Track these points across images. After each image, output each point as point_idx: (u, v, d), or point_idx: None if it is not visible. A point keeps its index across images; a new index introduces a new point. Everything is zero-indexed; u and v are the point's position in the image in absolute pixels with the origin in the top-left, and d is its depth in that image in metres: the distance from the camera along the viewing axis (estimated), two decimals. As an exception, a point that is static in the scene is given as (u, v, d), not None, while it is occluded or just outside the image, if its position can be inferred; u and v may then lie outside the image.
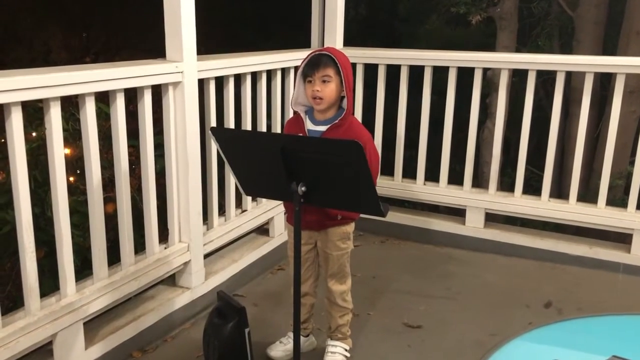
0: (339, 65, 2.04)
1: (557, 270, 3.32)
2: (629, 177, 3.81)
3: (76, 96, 2.13)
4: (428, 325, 2.72)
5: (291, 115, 3.39)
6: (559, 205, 3.44)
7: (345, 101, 2.12)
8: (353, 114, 3.67)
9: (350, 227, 2.26)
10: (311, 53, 2.09)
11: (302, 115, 2.16)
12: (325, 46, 2.08)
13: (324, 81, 2.05)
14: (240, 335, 2.15)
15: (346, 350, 2.39)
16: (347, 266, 2.31)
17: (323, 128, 2.12)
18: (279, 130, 3.31)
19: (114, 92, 2.26)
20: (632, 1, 5.36)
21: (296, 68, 3.38)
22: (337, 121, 2.11)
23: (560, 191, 5.19)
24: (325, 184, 1.82)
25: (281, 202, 2.92)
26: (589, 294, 3.05)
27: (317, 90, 2.05)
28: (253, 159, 1.93)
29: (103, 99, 2.46)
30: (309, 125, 2.15)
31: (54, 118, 2.03)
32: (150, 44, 2.69)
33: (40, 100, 2.00)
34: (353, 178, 1.75)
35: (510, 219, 3.82)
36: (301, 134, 2.15)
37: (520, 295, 3.02)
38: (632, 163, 3.28)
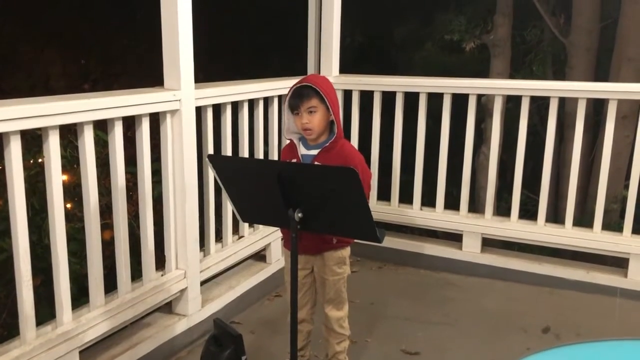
0: (322, 93, 2.07)
1: (555, 295, 3.32)
2: (624, 201, 3.82)
3: (74, 124, 2.16)
4: (426, 352, 2.71)
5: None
6: (555, 230, 3.45)
7: (334, 125, 2.15)
8: (349, 138, 3.69)
9: (346, 252, 2.26)
10: (294, 85, 2.12)
11: (296, 142, 2.19)
12: (312, 74, 2.10)
13: (310, 112, 2.08)
14: (237, 363, 2.14)
15: (344, 377, 2.38)
16: (343, 291, 2.31)
17: (315, 152, 2.15)
18: (276, 157, 3.33)
19: (112, 120, 2.28)
20: (623, 28, 5.45)
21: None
22: (327, 144, 2.14)
23: (556, 215, 5.21)
24: (322, 210, 1.84)
25: (278, 228, 2.92)
26: (587, 318, 3.05)
27: (306, 123, 2.09)
28: (250, 185, 1.95)
29: (101, 126, 2.49)
30: (302, 150, 2.18)
31: (53, 147, 2.05)
32: (148, 71, 2.72)
33: (38, 129, 2.02)
34: (349, 204, 1.77)
35: (507, 244, 3.83)
36: (295, 160, 2.17)
37: (518, 320, 3.01)
38: (627, 187, 3.31)
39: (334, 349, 2.35)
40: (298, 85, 2.10)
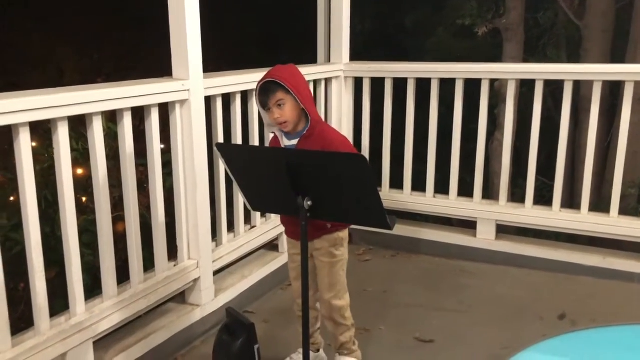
0: (286, 86, 2.03)
1: (571, 282, 3.28)
2: (641, 185, 3.76)
3: (84, 116, 2.16)
4: (440, 340, 2.69)
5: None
6: (571, 215, 3.40)
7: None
8: (359, 127, 3.66)
9: (343, 234, 2.22)
10: (259, 82, 2.08)
11: (278, 134, 2.18)
12: (277, 65, 2.04)
13: (278, 105, 2.05)
14: (249, 352, 2.14)
15: (356, 363, 2.37)
16: (342, 276, 2.26)
17: (295, 142, 2.13)
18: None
19: (121, 111, 2.28)
20: (639, 9, 5.34)
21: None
22: (305, 132, 2.11)
23: (572, 201, 5.15)
24: (331, 197, 1.82)
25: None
26: (603, 305, 3.01)
27: (278, 117, 2.06)
28: (259, 174, 1.94)
29: (113, 118, 2.49)
30: (285, 142, 2.16)
31: (62, 138, 2.05)
32: (161, 64, 2.72)
33: (47, 121, 2.02)
34: (358, 190, 1.75)
35: (522, 230, 3.79)
36: None
37: (533, 307, 2.98)
38: (644, 171, 3.25)
39: (339, 341, 2.33)
40: (262, 81, 2.08)
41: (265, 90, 2.06)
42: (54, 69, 10.35)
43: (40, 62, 10.31)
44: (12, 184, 4.20)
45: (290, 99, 2.06)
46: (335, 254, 2.22)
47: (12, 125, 1.89)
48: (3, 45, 9.58)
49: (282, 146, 2.15)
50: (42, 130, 3.88)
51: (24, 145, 1.93)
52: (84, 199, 4.41)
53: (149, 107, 2.41)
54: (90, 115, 2.15)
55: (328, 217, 1.93)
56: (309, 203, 1.80)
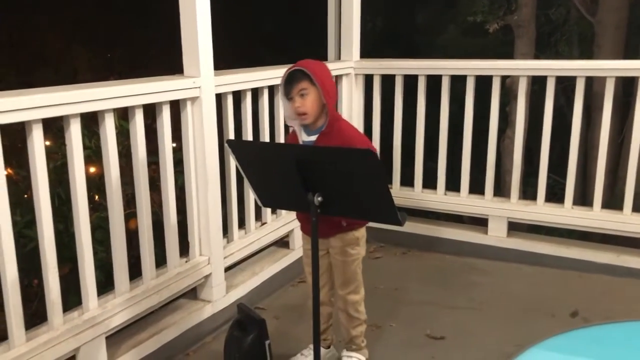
0: (312, 76, 2.05)
1: (584, 279, 3.25)
2: (655, 182, 3.72)
3: (96, 113, 2.18)
4: (451, 337, 2.69)
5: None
6: (583, 212, 3.38)
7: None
8: (369, 124, 3.66)
9: (359, 233, 2.24)
10: (286, 71, 2.11)
11: (297, 129, 2.18)
12: (306, 59, 2.07)
13: (301, 95, 2.07)
14: (260, 348, 2.15)
15: (361, 361, 2.37)
16: (358, 274, 2.28)
17: (314, 137, 2.14)
18: (297, 143, 3.32)
19: (133, 108, 2.29)
20: (653, 4, 5.29)
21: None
22: (324, 128, 2.12)
23: (584, 199, 5.11)
24: (342, 193, 1.82)
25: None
26: (616, 302, 2.98)
27: (298, 107, 2.07)
28: (269, 170, 1.94)
29: (125, 117, 2.51)
30: (304, 137, 2.17)
31: (74, 135, 2.07)
32: (173, 62, 2.74)
33: (60, 118, 2.04)
34: (368, 187, 1.75)
35: (534, 228, 3.76)
36: None
37: (545, 305, 2.97)
38: (658, 168, 3.21)
39: (350, 333, 2.35)
40: (289, 69, 2.10)
41: (291, 78, 2.08)
42: (67, 68, 10.43)
43: (54, 61, 10.41)
44: (25, 181, 4.24)
45: (314, 91, 2.07)
46: (351, 253, 2.23)
47: (25, 122, 1.92)
48: (17, 44, 9.68)
49: (300, 141, 2.16)
50: (55, 129, 3.92)
51: (37, 142, 1.95)
52: (96, 196, 4.45)
53: (160, 104, 2.43)
54: (102, 112, 2.17)
55: (338, 213, 1.93)
56: (319, 199, 1.80)
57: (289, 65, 3.19)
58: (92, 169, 4.33)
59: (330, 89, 2.10)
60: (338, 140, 2.07)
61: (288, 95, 2.10)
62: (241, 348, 2.16)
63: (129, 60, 10.25)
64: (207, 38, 2.52)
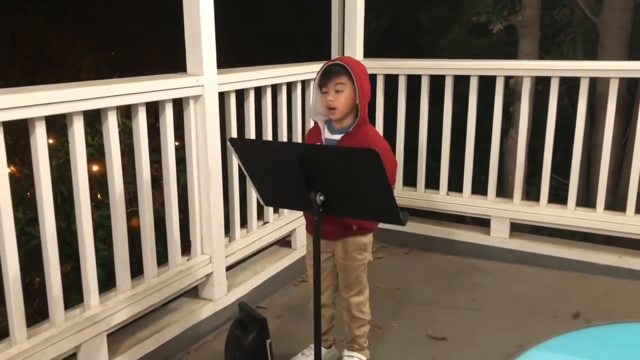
0: (352, 73, 2.04)
1: (586, 281, 3.25)
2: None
3: (99, 110, 2.18)
4: (453, 337, 2.68)
5: (312, 126, 3.40)
6: (586, 213, 3.37)
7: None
8: (373, 124, 3.65)
9: (367, 239, 2.24)
10: (326, 63, 2.10)
11: (321, 125, 2.17)
12: (346, 56, 2.10)
13: (337, 91, 2.06)
14: (261, 346, 2.15)
15: (363, 360, 2.37)
16: (363, 277, 2.29)
17: (338, 137, 2.13)
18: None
19: (136, 106, 2.29)
20: (658, 5, 5.27)
21: (316, 80, 3.41)
22: (350, 130, 2.11)
23: (587, 200, 5.10)
24: (344, 192, 1.82)
25: (302, 213, 2.91)
26: (619, 304, 2.97)
27: (331, 100, 2.06)
28: (271, 169, 1.94)
29: (128, 115, 2.51)
30: (327, 134, 2.16)
31: (77, 132, 2.07)
32: (176, 61, 2.74)
33: (63, 115, 2.04)
34: (371, 186, 1.74)
35: (537, 229, 3.75)
36: (318, 143, 2.15)
37: (547, 305, 2.96)
38: (661, 169, 3.20)
39: (354, 333, 2.35)
40: (330, 62, 2.09)
41: (329, 72, 2.07)
42: (70, 67, 10.45)
43: (57, 60, 10.42)
44: (28, 179, 4.25)
45: (350, 89, 2.06)
46: (358, 258, 2.23)
47: (28, 120, 1.92)
48: (20, 42, 9.69)
49: (323, 138, 2.15)
50: (58, 127, 3.93)
51: (40, 140, 1.95)
52: (99, 194, 4.46)
53: (163, 102, 2.43)
54: (105, 110, 2.17)
55: (341, 212, 1.93)
56: (322, 198, 1.80)
57: (291, 65, 3.19)
58: (95, 167, 4.34)
59: (366, 90, 2.09)
60: (362, 143, 2.04)
61: (323, 88, 2.09)
62: (242, 347, 2.15)
63: (132, 58, 10.26)
64: (210, 36, 2.52)
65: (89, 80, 2.23)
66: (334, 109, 2.07)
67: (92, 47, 10.50)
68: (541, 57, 6.00)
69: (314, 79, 2.14)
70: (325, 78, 2.07)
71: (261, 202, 2.11)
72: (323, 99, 2.09)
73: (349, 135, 2.11)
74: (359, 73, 2.07)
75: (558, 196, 4.07)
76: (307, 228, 2.31)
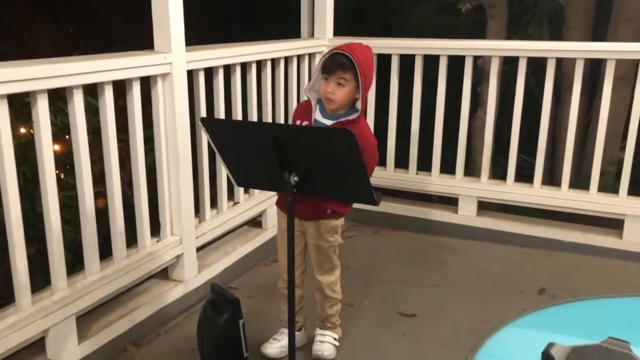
0: (358, 70, 2.00)
1: (551, 257, 3.33)
2: (619, 163, 3.81)
3: (64, 89, 2.11)
4: (423, 314, 2.72)
5: (282, 106, 3.36)
6: (551, 192, 3.44)
7: (358, 102, 2.10)
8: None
9: (339, 222, 2.24)
10: (335, 47, 2.03)
11: (313, 103, 2.14)
12: (359, 43, 1.99)
13: (339, 84, 2.02)
14: (234, 327, 2.14)
15: (335, 339, 2.39)
16: (334, 258, 2.30)
17: (329, 122, 2.11)
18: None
19: (102, 84, 2.23)
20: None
21: (286, 58, 3.37)
22: (344, 119, 2.09)
23: (552, 178, 5.20)
24: (318, 173, 1.81)
25: (274, 192, 2.90)
26: (582, 279, 3.06)
27: (330, 92, 2.03)
28: (244, 149, 1.91)
29: (92, 93, 2.43)
30: (317, 116, 2.13)
31: (41, 111, 2.00)
32: (140, 38, 2.67)
33: (27, 94, 1.97)
34: (346, 167, 1.74)
35: (503, 207, 3.83)
36: (307, 122, 2.13)
37: (514, 282, 3.03)
38: (623, 149, 3.29)
39: (326, 312, 2.37)
40: (339, 50, 2.02)
41: (337, 61, 2.01)
42: (27, 43, 10.09)
43: (15, 35, 10.05)
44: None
45: (352, 86, 2.03)
46: (329, 240, 2.24)
47: (-12, 98, 1.84)
48: (-25, 17, 9.31)
49: (312, 119, 2.12)
50: (18, 105, 3.79)
51: (2, 120, 1.88)
52: (62, 175, 4.34)
53: (130, 80, 2.36)
54: (71, 88, 2.10)
55: (315, 192, 1.91)
56: (296, 179, 1.78)
57: (261, 42, 3.10)
58: (57, 147, 4.22)
59: (369, 83, 2.05)
60: None
61: (325, 74, 2.04)
62: (215, 328, 2.15)
63: (94, 35, 9.95)
64: (178, 12, 2.46)
65: (48, 56, 2.14)
66: (331, 100, 2.04)
67: (51, 23, 10.15)
68: (509, 38, 6.06)
69: (320, 59, 2.08)
70: (330, 66, 2.02)
71: (233, 183, 2.08)
72: (322, 85, 2.06)
73: (341, 124, 2.08)
74: (365, 67, 2.01)
75: (523, 175, 4.13)
76: (279, 204, 2.29)
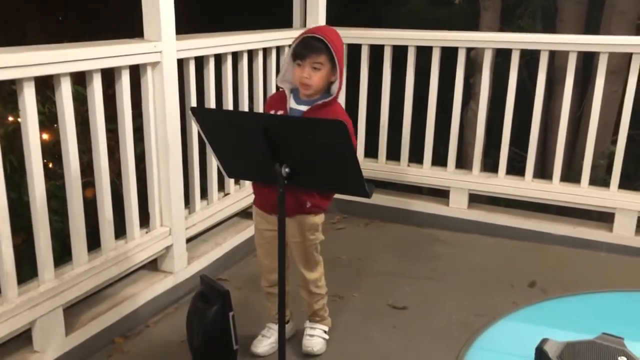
0: (332, 52, 1.97)
1: (542, 250, 3.33)
2: (611, 156, 3.82)
3: (52, 77, 2.07)
4: (413, 307, 2.72)
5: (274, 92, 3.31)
6: (542, 185, 3.44)
7: (333, 85, 2.07)
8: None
9: (319, 219, 2.20)
10: (304, 33, 2.00)
11: (287, 92, 2.11)
12: (324, 25, 1.94)
13: (314, 68, 1.98)
14: (224, 319, 2.12)
15: (325, 332, 2.38)
16: (316, 255, 2.26)
17: (304, 108, 2.07)
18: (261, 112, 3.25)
19: (91, 72, 2.19)
20: (614, -19, 5.35)
21: (278, 48, 3.34)
22: (320, 102, 2.05)
23: (543, 171, 5.20)
24: (310, 164, 1.79)
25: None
26: (572, 273, 3.07)
27: (306, 78, 1.99)
28: (235, 139, 1.88)
29: (81, 82, 2.39)
30: (292, 104, 2.09)
31: (28, 99, 1.96)
32: (130, 27, 2.62)
33: (13, 82, 1.93)
34: (338, 158, 1.72)
35: (494, 200, 3.82)
36: (282, 112, 2.09)
37: (504, 275, 3.03)
38: (614, 143, 3.29)
39: (313, 308, 2.35)
40: (309, 34, 1.98)
41: (309, 46, 1.96)
42: (14, 30, 9.96)
43: (2, 22, 9.91)
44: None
45: (328, 69, 1.99)
46: (310, 238, 2.20)
47: (-26, 85, 1.80)
48: (-40, 3, 9.16)
49: (287, 107, 2.08)
50: (5, 93, 3.74)
51: (-12, 106, 1.84)
52: (50, 164, 4.29)
53: (119, 69, 2.33)
54: (59, 76, 2.06)
55: (306, 184, 1.90)
56: (287, 170, 1.76)
57: (252, 32, 3.06)
58: (45, 136, 4.16)
59: (342, 66, 2.02)
60: (328, 116, 1.98)
61: (298, 60, 1.99)
62: (205, 320, 2.12)
63: (83, 23, 9.84)
64: (169, 0, 2.41)
65: (36, 44, 2.10)
66: (308, 85, 2.00)
67: (39, 10, 10.03)
68: (502, 30, 6.04)
69: (290, 45, 2.04)
70: (302, 51, 1.97)
71: (224, 173, 2.06)
72: (297, 72, 2.01)
73: (316, 108, 2.05)
74: (339, 48, 1.99)
75: (514, 168, 4.13)
76: (257, 203, 2.24)
